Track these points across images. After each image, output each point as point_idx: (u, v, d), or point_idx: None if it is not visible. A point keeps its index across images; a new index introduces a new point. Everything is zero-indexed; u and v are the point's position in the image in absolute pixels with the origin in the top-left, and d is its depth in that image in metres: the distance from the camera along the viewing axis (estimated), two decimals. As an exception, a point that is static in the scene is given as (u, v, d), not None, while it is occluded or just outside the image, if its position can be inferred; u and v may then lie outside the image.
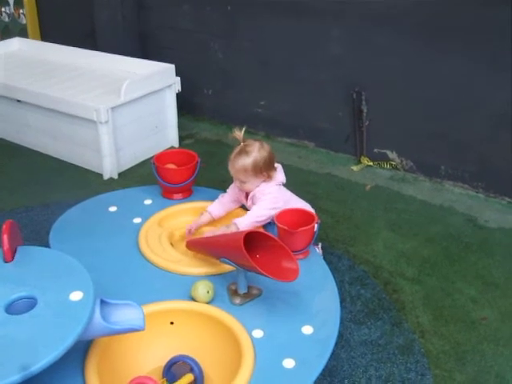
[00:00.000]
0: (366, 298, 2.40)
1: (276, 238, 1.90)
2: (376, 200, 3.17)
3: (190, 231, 2.36)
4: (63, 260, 1.81)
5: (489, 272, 2.58)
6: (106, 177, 3.33)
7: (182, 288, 2.02)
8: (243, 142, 2.35)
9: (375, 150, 3.52)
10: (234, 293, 2.00)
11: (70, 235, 2.38)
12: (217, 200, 2.47)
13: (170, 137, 3.71)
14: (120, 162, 3.37)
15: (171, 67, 3.54)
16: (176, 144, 3.75)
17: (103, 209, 2.56)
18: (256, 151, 2.33)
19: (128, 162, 3.45)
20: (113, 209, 2.55)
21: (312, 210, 2.48)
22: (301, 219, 2.24)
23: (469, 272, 2.58)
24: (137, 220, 2.46)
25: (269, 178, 2.35)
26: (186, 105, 3.97)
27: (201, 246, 2.13)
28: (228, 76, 3.99)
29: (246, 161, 2.32)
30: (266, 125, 3.94)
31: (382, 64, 3.31)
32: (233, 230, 2.24)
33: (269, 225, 2.36)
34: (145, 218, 2.44)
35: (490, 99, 3.03)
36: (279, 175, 2.40)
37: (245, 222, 2.26)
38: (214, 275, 2.10)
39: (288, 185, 2.56)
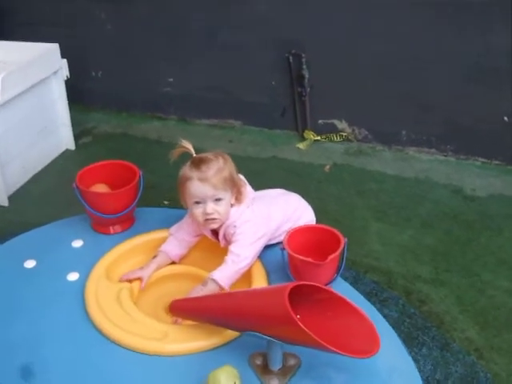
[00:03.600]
0: (394, 320, 1.87)
1: (333, 290, 1.28)
2: (342, 183, 2.64)
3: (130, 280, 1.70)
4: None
5: (507, 253, 2.18)
6: (-9, 206, 2.46)
7: (184, 381, 1.35)
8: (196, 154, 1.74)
9: (320, 122, 2.97)
10: (265, 370, 1.37)
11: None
12: (170, 237, 1.79)
13: (63, 138, 2.87)
14: (7, 181, 2.50)
15: (55, 47, 2.67)
16: (72, 146, 2.92)
17: (16, 266, 1.76)
18: (223, 157, 1.75)
19: (17, 181, 2.59)
20: (30, 264, 1.77)
21: (298, 199, 1.98)
22: (314, 238, 1.65)
23: (487, 258, 2.15)
24: (73, 276, 1.70)
25: (239, 195, 1.74)
26: (71, 93, 3.09)
27: (199, 312, 1.45)
28: (122, 51, 3.19)
29: (221, 165, 1.69)
30: (178, 106, 3.22)
31: (323, 18, 2.73)
32: (212, 289, 1.58)
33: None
34: (84, 272, 1.70)
35: (452, 51, 2.59)
36: (248, 190, 1.81)
37: (227, 275, 1.62)
38: (221, 346, 1.45)
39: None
